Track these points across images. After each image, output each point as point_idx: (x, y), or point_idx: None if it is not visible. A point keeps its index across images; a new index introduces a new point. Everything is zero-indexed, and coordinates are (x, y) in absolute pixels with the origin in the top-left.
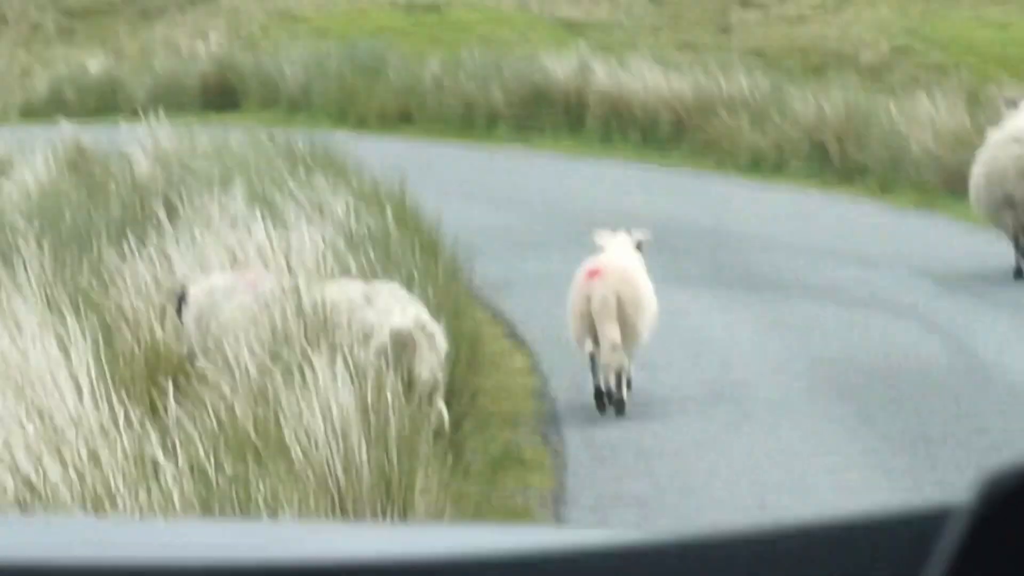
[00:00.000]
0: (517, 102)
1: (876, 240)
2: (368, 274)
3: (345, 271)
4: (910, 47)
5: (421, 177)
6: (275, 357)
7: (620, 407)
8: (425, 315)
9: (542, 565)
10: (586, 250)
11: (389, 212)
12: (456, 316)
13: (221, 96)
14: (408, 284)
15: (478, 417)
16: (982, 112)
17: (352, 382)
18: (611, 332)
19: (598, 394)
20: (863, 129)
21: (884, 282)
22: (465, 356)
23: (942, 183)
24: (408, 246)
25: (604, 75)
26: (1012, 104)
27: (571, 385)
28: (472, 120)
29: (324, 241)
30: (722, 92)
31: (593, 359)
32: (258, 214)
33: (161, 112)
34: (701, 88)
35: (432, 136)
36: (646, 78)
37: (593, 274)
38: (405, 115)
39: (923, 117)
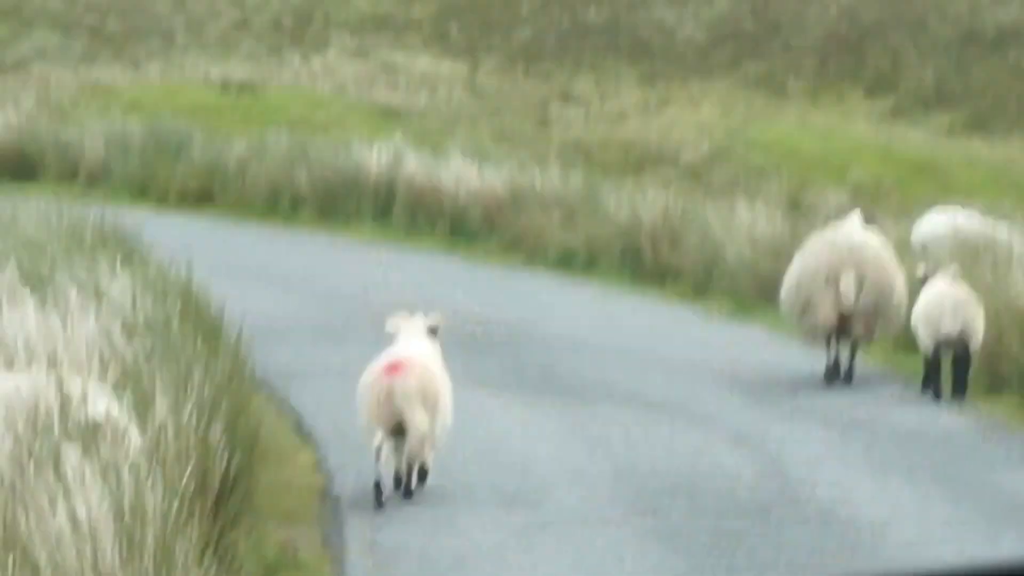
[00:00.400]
0: (323, 187)
1: (686, 346)
2: (141, 364)
3: (118, 361)
4: (731, 149)
5: (217, 260)
6: (27, 452)
7: (408, 493)
8: (115, 409)
9: None
10: (384, 342)
11: (173, 299)
12: (235, 410)
13: (20, 165)
14: (185, 375)
15: (254, 517)
16: (801, 219)
17: (105, 482)
18: (421, 422)
19: (377, 486)
20: (678, 232)
21: (693, 390)
22: (243, 452)
23: (756, 291)
24: (190, 335)
25: (415, 165)
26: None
27: (357, 484)
28: (276, 203)
29: (99, 328)
30: (535, 188)
31: (379, 451)
32: (28, 297)
33: None
34: (514, 183)
35: (234, 216)
36: (459, 170)
37: (394, 368)
38: (207, 195)
39: (741, 223)
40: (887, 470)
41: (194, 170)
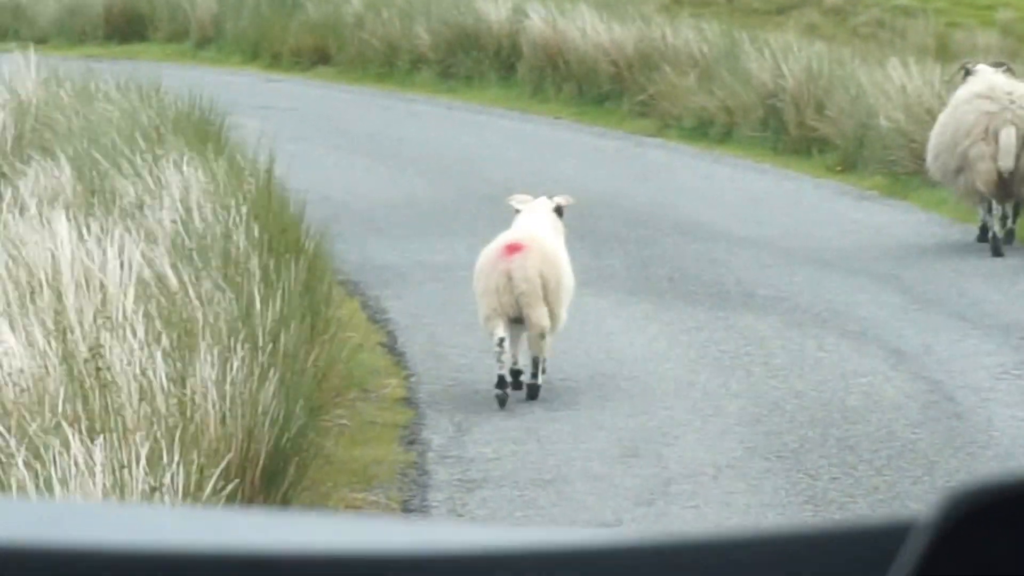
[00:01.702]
0: (443, 44)
1: (837, 232)
2: (193, 282)
3: (161, 281)
4: None
5: (324, 130)
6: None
7: (534, 392)
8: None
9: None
10: (499, 228)
11: (242, 204)
12: (314, 330)
13: (127, 25)
14: (244, 311)
15: (318, 473)
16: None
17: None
18: (541, 317)
19: (501, 383)
20: (825, 95)
21: (846, 291)
22: (309, 383)
23: (913, 162)
24: (262, 241)
25: (541, 20)
26: (968, 72)
27: (450, 425)
28: (394, 63)
29: (146, 242)
30: (667, 44)
31: (501, 343)
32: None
33: (61, 41)
34: (645, 39)
35: (350, 78)
36: (585, 25)
37: (513, 249)
38: (322, 54)
39: (893, 83)
40: None
41: (309, 27)
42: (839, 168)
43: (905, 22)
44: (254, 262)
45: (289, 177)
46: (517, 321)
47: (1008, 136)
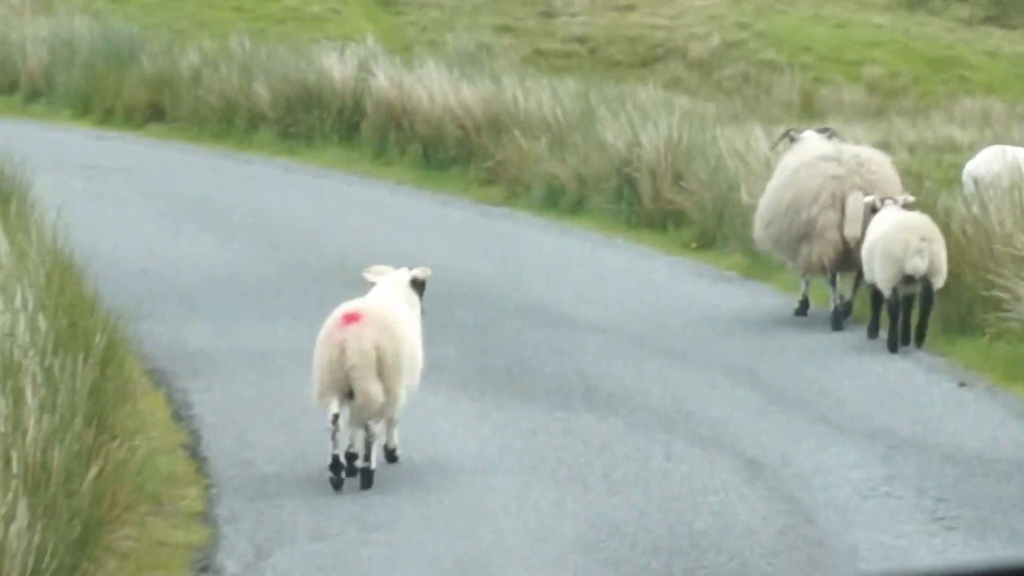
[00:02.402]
0: (283, 102)
1: (692, 320)
2: None
3: None
4: (743, 42)
5: (152, 192)
6: None
7: (366, 478)
8: None
9: None
10: (329, 311)
11: (27, 285)
12: (99, 436)
13: None
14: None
15: None
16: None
17: None
18: (371, 389)
19: (335, 465)
20: (684, 165)
21: (698, 388)
22: (85, 503)
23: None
24: (46, 337)
25: (386, 77)
26: (792, 139)
27: (249, 547)
28: (232, 121)
29: None
30: (519, 108)
31: (336, 421)
32: None
33: None
34: (495, 101)
35: (185, 136)
36: (433, 84)
37: (350, 319)
38: (156, 110)
39: (757, 152)
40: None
41: (144, 80)
42: (695, 245)
43: (771, 77)
44: (33, 363)
45: (109, 247)
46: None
47: (855, 202)
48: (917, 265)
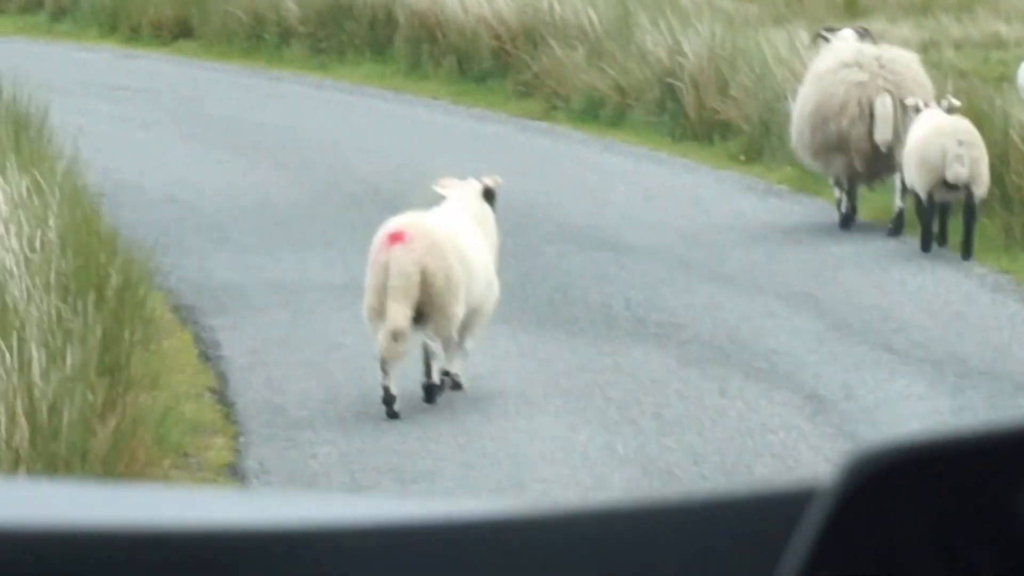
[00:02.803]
0: (314, 16)
1: (743, 239)
2: None
3: None
4: None
5: (180, 115)
6: None
7: (427, 393)
8: None
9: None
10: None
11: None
12: (115, 387)
13: None
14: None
15: None
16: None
17: None
18: (396, 315)
19: (386, 397)
20: (728, 75)
21: (748, 316)
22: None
23: None
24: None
25: None
26: (825, 38)
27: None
28: (261, 36)
29: None
30: (554, 17)
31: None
32: None
33: None
34: (528, 10)
35: (214, 54)
36: None
37: (395, 239)
38: (184, 27)
39: (801, 62)
40: None
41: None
42: (743, 157)
43: None
44: (41, 308)
45: (135, 174)
46: (416, 320)
47: (884, 106)
48: (958, 172)
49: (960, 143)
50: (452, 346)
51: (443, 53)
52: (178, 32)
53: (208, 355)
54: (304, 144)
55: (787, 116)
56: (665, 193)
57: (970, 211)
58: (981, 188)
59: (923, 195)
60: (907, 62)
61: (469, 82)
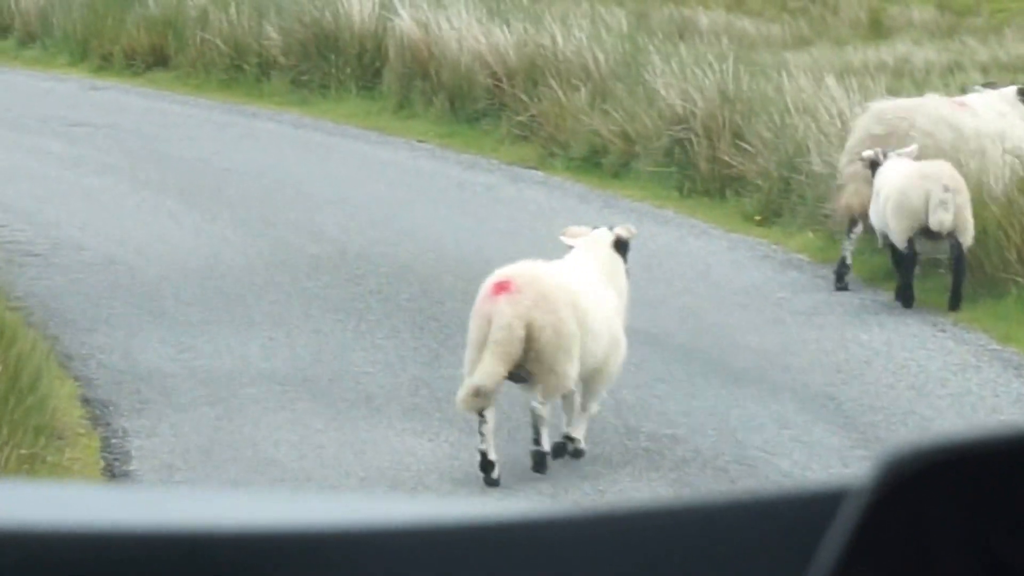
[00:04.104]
0: (298, 46)
1: (757, 322)
2: None
3: None
4: None
5: (141, 157)
6: None
7: (536, 461)
8: None
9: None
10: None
11: None
12: None
13: None
14: None
15: None
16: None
17: None
18: (485, 371)
19: (484, 463)
20: (743, 123)
21: (762, 428)
22: None
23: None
24: None
25: (410, 18)
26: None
27: None
28: (241, 67)
29: None
30: (556, 53)
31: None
32: None
33: None
34: (529, 46)
35: (191, 85)
36: (462, 26)
37: (500, 288)
38: (159, 56)
39: (830, 103)
40: None
41: (147, 22)
42: (759, 218)
43: None
44: None
45: (76, 230)
46: (516, 379)
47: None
48: (942, 218)
49: (946, 188)
50: (573, 409)
51: (434, 90)
52: (152, 61)
53: (114, 470)
54: (271, 195)
55: (809, 174)
56: (669, 260)
57: (959, 262)
58: (967, 237)
59: (902, 245)
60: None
61: (461, 123)
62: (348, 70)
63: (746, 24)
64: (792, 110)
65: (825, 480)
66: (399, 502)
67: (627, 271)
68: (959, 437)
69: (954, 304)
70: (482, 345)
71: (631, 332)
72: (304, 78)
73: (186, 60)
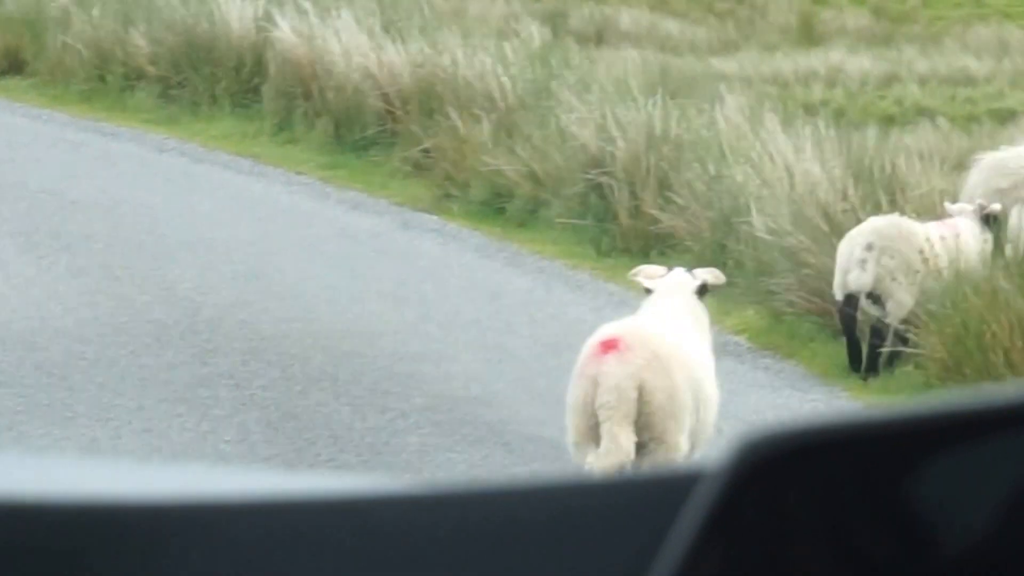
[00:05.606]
0: (167, 56)
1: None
2: None
3: None
4: None
5: None
6: None
7: None
8: None
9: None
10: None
11: None
12: None
13: None
14: None
15: None
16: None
17: None
18: (620, 439)
19: None
20: (673, 170)
21: None
22: None
23: (805, 300)
24: None
25: (292, 30)
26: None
27: None
28: (104, 77)
29: None
30: (457, 77)
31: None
32: None
33: None
34: (426, 66)
35: (49, 97)
36: (350, 41)
37: (608, 346)
38: (15, 62)
39: (775, 149)
40: None
41: (2, 21)
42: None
43: (764, 6)
44: None
45: None
46: None
47: None
48: (857, 277)
49: (869, 247)
50: None
51: (318, 113)
52: (7, 66)
53: None
54: (119, 235)
55: (749, 236)
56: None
57: (876, 331)
58: (896, 307)
59: (838, 303)
60: None
61: (347, 152)
62: (223, 84)
63: (670, 26)
64: (728, 157)
65: (681, 465)
66: (247, 476)
67: None
68: (816, 422)
69: (855, 367)
70: (586, 411)
71: (535, 439)
72: (174, 92)
73: (44, 67)
